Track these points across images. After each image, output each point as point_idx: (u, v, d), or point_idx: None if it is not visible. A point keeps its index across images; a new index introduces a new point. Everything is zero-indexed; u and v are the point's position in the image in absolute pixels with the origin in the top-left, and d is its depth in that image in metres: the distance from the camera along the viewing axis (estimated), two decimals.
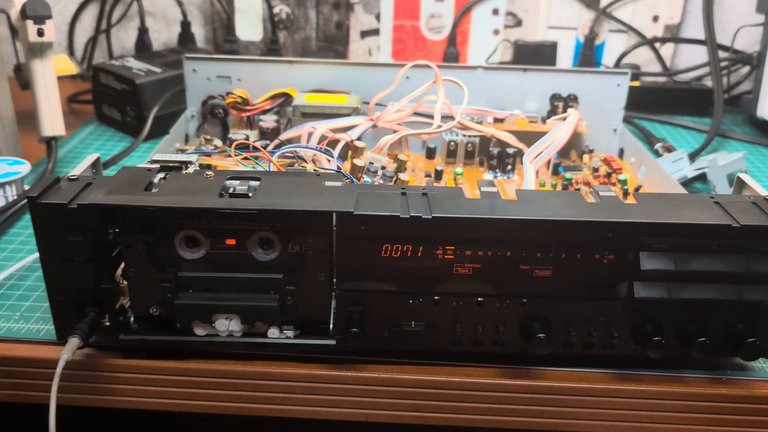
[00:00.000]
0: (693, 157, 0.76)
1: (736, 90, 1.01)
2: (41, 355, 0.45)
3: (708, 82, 0.98)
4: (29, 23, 0.64)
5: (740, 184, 0.48)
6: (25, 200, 0.61)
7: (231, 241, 0.42)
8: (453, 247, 0.41)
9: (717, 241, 0.41)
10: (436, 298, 0.43)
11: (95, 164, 0.47)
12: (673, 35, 1.01)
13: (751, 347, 0.42)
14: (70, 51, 1.05)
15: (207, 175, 0.43)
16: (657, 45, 1.01)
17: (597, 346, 0.44)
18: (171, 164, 0.46)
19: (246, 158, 0.50)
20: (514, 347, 0.44)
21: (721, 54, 0.93)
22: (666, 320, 0.43)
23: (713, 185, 0.69)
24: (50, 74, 0.68)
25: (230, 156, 0.51)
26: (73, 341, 0.40)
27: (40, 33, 0.65)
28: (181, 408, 0.46)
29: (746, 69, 0.97)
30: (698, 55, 1.02)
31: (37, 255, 0.44)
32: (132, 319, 0.44)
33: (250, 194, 0.41)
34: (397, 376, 0.45)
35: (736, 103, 0.97)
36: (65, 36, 1.04)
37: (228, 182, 0.42)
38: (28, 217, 0.62)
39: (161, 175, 0.44)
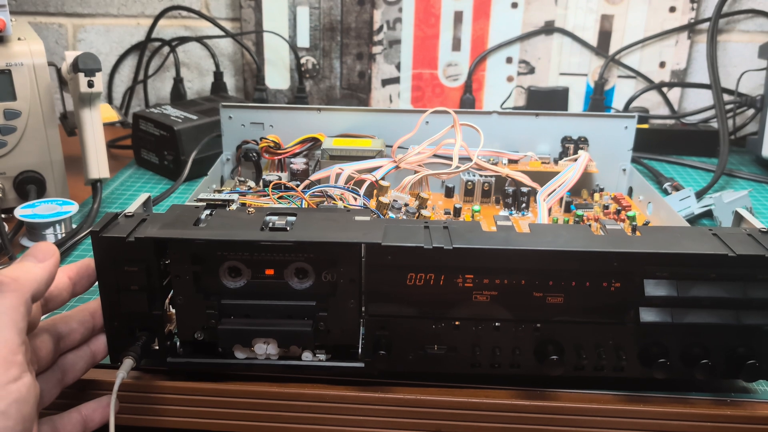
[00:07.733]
0: (700, 195, 0.80)
1: (742, 131, 1.04)
2: (95, 377, 0.48)
3: (714, 124, 1.01)
4: (80, 75, 0.70)
5: (738, 218, 0.52)
6: (75, 237, 0.66)
7: (270, 271, 0.46)
8: (472, 276, 0.45)
9: (715, 269, 0.45)
10: (456, 323, 0.46)
11: (146, 203, 0.51)
12: (680, 80, 1.05)
13: (750, 369, 0.45)
14: (109, 100, 1.11)
15: (249, 211, 0.47)
16: (664, 89, 1.05)
17: (607, 368, 0.47)
18: (216, 202, 0.51)
19: (281, 197, 0.55)
20: (530, 369, 0.47)
21: (727, 97, 0.97)
22: (670, 343, 0.46)
23: (719, 221, 0.72)
24: (97, 122, 0.73)
25: (266, 195, 0.56)
26: (128, 362, 0.44)
27: (90, 84, 0.70)
28: (221, 428, 0.49)
29: (751, 111, 1.01)
30: (704, 98, 1.06)
31: None
32: (178, 343, 0.49)
33: (288, 228, 0.45)
34: (421, 398, 0.48)
35: (743, 144, 1.01)
36: (105, 86, 1.10)
37: (268, 217, 0.47)
38: (77, 252, 0.67)
39: (207, 211, 0.48)
